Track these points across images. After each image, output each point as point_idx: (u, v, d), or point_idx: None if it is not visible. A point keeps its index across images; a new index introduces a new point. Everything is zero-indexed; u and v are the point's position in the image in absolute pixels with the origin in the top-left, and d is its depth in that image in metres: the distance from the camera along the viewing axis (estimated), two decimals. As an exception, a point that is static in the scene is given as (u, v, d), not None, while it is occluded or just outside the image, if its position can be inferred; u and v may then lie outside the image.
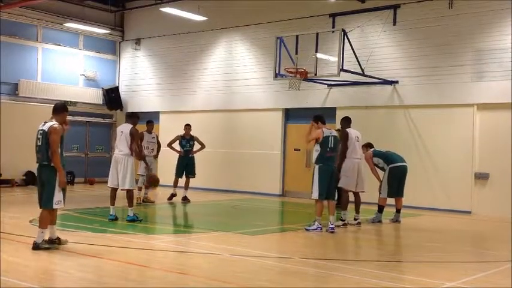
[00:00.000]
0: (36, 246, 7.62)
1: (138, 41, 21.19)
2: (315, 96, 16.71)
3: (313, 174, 10.21)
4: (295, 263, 7.56)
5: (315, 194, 10.11)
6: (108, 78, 21.57)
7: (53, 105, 8.06)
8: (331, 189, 10.21)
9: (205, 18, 18.23)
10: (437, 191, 14.65)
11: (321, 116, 10.43)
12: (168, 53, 20.38)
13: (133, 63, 21.47)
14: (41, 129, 7.78)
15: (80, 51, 20.75)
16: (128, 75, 21.62)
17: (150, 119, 14.71)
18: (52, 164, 7.63)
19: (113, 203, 10.83)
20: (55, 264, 7.15)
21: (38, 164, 7.82)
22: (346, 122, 11.36)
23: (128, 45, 21.59)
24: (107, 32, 21.10)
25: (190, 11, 17.79)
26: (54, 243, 7.83)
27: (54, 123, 7.76)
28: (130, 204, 10.72)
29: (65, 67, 20.26)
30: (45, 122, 7.88)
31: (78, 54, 20.70)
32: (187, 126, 14.69)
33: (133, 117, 11.21)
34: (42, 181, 7.75)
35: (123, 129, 10.92)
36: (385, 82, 15.27)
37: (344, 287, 6.29)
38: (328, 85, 16.24)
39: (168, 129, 19.78)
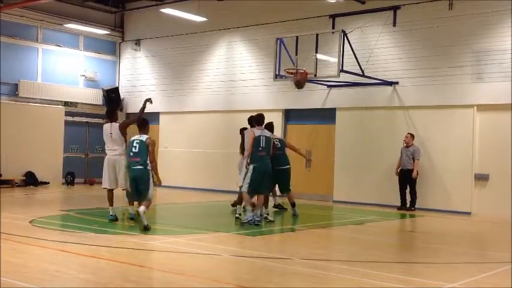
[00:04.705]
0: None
1: (138, 42, 21.20)
2: (314, 97, 16.70)
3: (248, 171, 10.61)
4: (294, 263, 7.55)
5: (244, 187, 10.59)
6: (108, 78, 21.57)
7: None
8: (262, 187, 10.71)
9: (205, 19, 18.23)
10: (437, 192, 14.65)
11: (257, 117, 11.07)
12: (168, 53, 20.38)
13: (133, 64, 21.47)
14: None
15: (80, 52, 20.75)
16: (128, 76, 21.62)
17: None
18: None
19: (111, 204, 10.80)
20: (55, 264, 7.15)
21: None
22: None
23: (127, 46, 21.59)
24: (107, 32, 21.09)
25: (190, 12, 17.78)
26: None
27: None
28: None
29: (65, 68, 20.26)
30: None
31: (78, 54, 20.71)
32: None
33: (114, 114, 11.03)
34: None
35: (110, 129, 10.70)
36: (385, 83, 15.28)
37: (344, 288, 6.30)
38: (328, 86, 16.24)
39: (168, 130, 19.84)
